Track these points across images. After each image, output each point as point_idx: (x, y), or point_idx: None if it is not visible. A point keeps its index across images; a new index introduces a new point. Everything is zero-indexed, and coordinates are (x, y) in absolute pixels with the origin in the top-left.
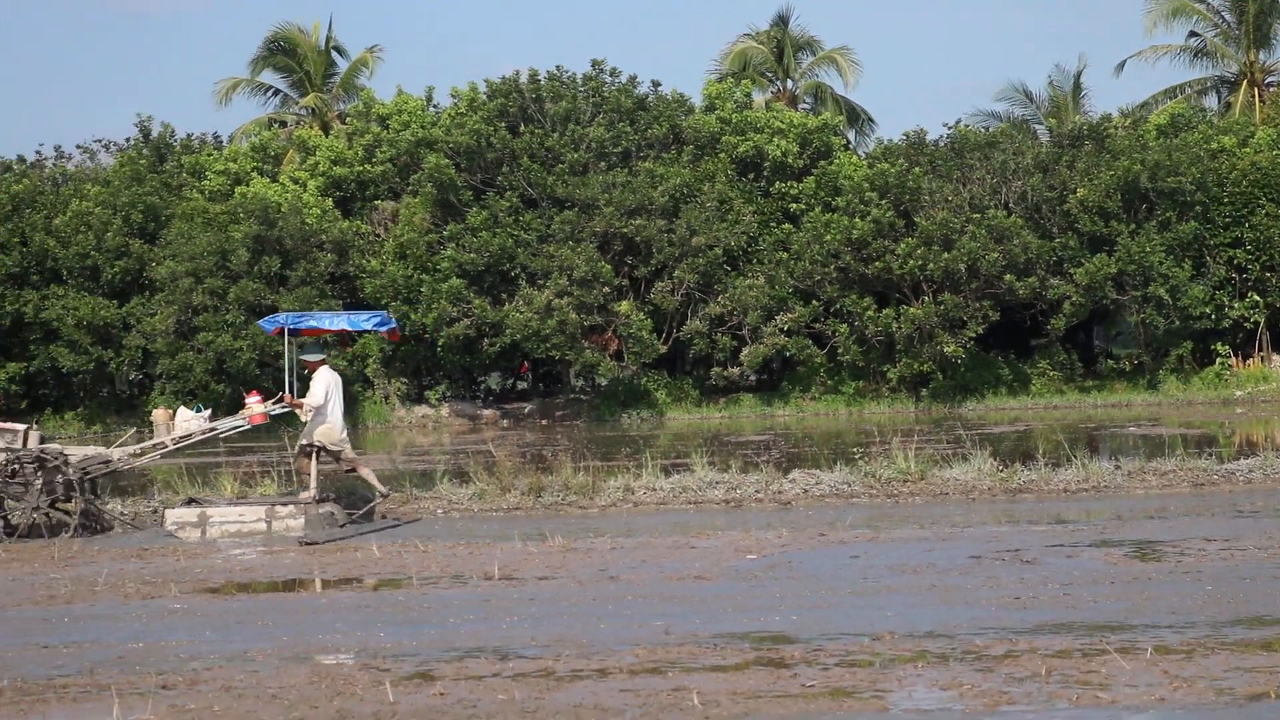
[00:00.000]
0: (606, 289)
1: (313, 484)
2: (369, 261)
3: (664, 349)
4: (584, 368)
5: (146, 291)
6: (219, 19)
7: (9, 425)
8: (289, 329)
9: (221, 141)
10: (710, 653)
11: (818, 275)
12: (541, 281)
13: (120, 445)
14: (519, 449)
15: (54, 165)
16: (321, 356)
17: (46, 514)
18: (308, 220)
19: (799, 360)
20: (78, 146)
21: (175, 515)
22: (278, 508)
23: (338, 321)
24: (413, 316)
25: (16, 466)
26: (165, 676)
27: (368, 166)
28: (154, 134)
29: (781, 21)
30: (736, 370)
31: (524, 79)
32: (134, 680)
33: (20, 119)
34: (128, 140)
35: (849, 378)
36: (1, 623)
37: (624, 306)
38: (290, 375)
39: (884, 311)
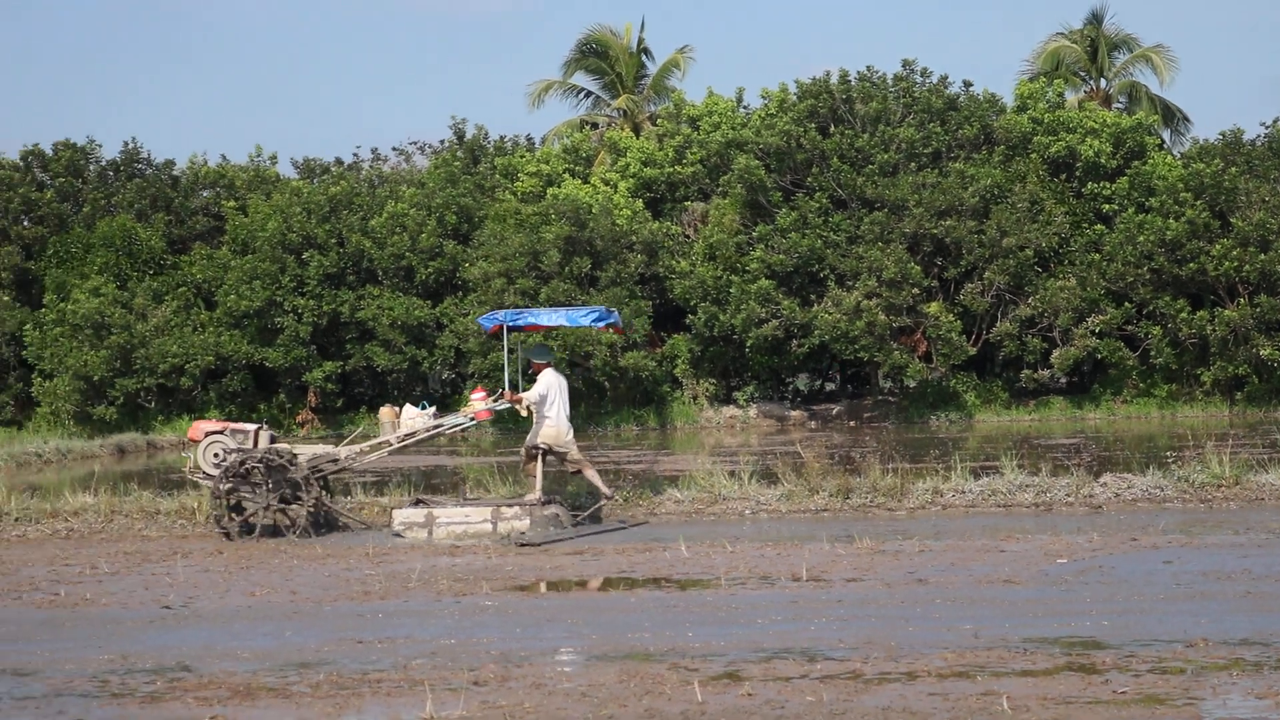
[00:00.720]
0: (915, 290)
1: (538, 486)
2: (678, 262)
3: (973, 351)
4: (892, 369)
5: (459, 292)
6: (532, 21)
7: (240, 426)
8: (508, 326)
9: (534, 143)
10: (1020, 657)
11: (1130, 277)
12: (850, 283)
13: (348, 444)
14: (826, 450)
15: (370, 167)
16: (547, 359)
17: (278, 513)
18: (618, 221)
19: (1110, 363)
20: (394, 149)
21: (402, 515)
22: (503, 509)
23: (556, 317)
24: (721, 317)
25: (251, 466)
26: (477, 673)
27: (678, 168)
28: (468, 136)
29: (1095, 19)
30: (1046, 372)
31: (834, 79)
32: (446, 676)
33: (338, 122)
34: (442, 142)
35: (1161, 381)
36: (318, 618)
37: (933, 308)
38: (509, 371)
39: (1198, 314)
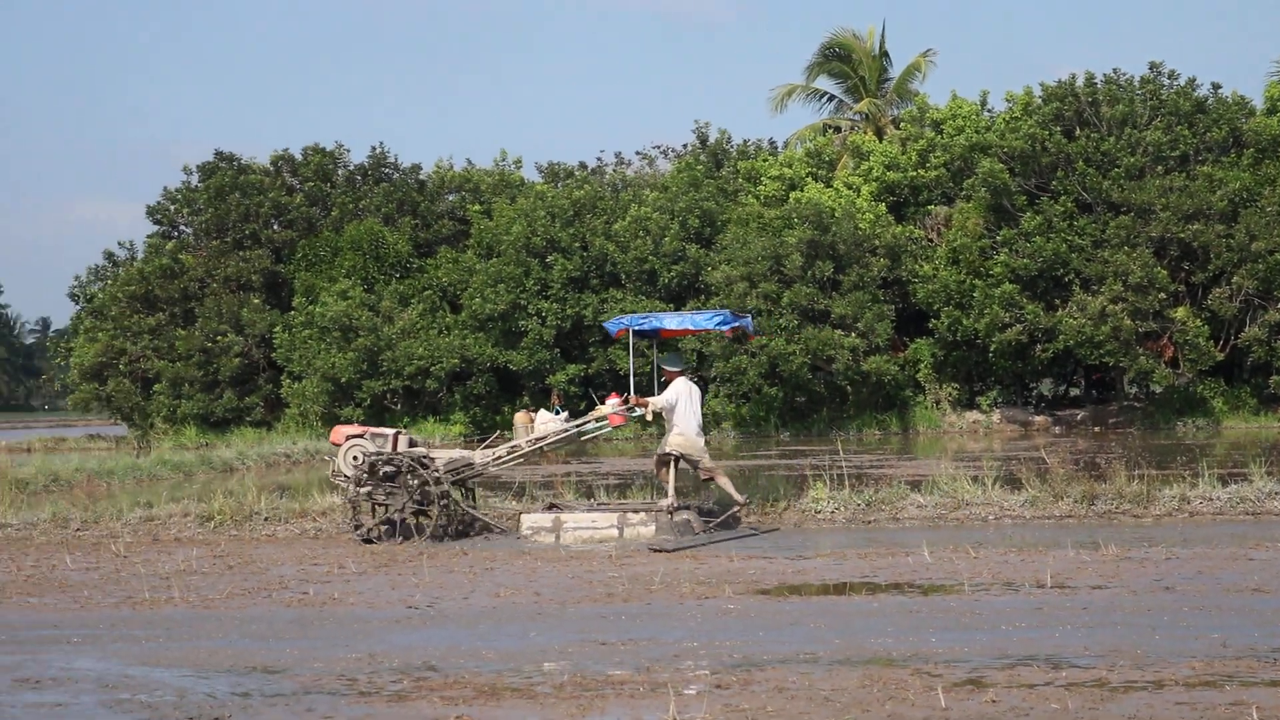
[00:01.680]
0: (1162, 295)
1: (670, 492)
2: (921, 266)
3: (1221, 356)
4: (1138, 375)
5: (701, 295)
6: (775, 27)
7: (380, 430)
8: (633, 330)
9: (776, 147)
10: (1269, 667)
11: None
12: (1096, 287)
13: (484, 449)
14: (1071, 456)
15: (614, 171)
16: (679, 368)
17: (414, 515)
18: (861, 225)
19: None
20: (637, 153)
21: (530, 520)
22: (629, 514)
23: (680, 321)
24: (964, 322)
25: (392, 469)
26: (719, 676)
27: (921, 171)
28: (711, 140)
29: None
30: None
31: (1080, 82)
32: (688, 678)
33: (582, 126)
34: (685, 146)
35: None
36: (562, 619)
37: (1180, 313)
38: (634, 377)
39: None
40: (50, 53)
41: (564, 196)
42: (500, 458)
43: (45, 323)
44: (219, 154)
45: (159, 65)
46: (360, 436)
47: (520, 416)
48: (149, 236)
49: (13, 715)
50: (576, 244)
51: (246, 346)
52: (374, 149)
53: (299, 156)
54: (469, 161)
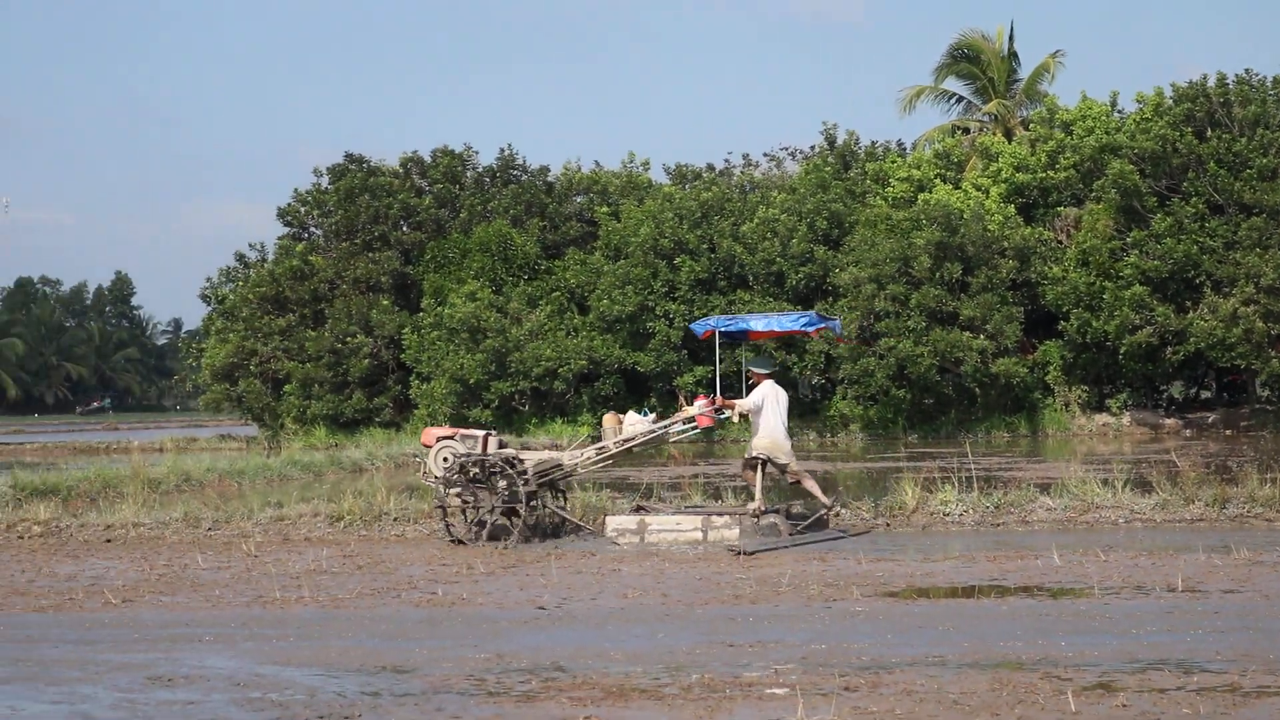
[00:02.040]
0: None
1: (758, 495)
2: (1050, 268)
3: None
4: (1270, 377)
5: (829, 297)
6: (903, 28)
7: (470, 431)
8: (720, 332)
9: (905, 148)
10: None
11: None
12: (1227, 289)
13: (572, 450)
14: (1202, 459)
15: (742, 173)
16: (767, 370)
17: (502, 515)
18: (990, 227)
19: None
20: (765, 154)
21: (615, 523)
22: (713, 518)
23: (767, 323)
24: (1094, 324)
25: (477, 470)
26: (847, 678)
27: (1050, 173)
28: (839, 141)
29: None
30: None
31: (1211, 83)
32: (816, 681)
33: (710, 127)
34: (813, 148)
35: None
36: (689, 620)
37: None
38: (721, 378)
39: None
40: (180, 54)
41: (691, 198)
42: (589, 459)
43: (177, 324)
44: (348, 156)
45: (289, 67)
46: (450, 438)
47: (609, 418)
48: (279, 238)
49: (146, 713)
50: (704, 246)
51: (375, 348)
52: (502, 151)
53: (428, 158)
54: (597, 163)
